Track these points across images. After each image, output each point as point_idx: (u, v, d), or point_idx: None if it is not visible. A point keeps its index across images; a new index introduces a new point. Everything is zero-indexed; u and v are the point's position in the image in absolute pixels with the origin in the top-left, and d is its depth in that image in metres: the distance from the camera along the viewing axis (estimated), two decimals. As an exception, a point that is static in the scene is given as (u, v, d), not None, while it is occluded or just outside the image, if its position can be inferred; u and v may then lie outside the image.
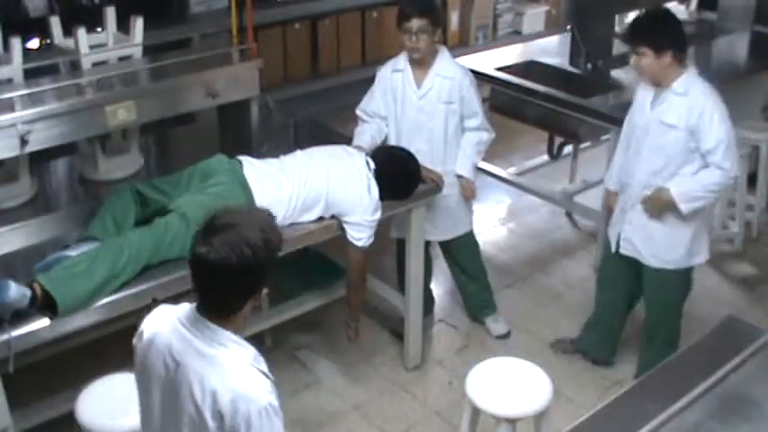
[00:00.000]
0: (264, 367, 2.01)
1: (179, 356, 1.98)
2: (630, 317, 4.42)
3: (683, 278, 3.60)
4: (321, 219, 3.37)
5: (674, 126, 3.28)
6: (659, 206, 3.40)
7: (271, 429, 1.95)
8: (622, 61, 5.10)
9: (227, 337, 1.98)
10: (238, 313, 1.99)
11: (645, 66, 3.27)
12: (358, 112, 3.87)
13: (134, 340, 2.14)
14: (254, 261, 1.90)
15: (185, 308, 2.06)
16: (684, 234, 3.46)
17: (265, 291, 2.00)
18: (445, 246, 4.16)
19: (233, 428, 1.92)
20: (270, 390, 1.97)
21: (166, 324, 2.05)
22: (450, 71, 3.72)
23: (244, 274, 1.91)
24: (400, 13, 3.61)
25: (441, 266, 4.59)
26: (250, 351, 2.01)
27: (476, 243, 4.18)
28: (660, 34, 3.25)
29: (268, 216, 2.06)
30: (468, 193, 3.91)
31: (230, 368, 1.94)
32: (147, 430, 2.18)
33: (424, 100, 3.73)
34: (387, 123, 3.83)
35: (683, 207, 3.32)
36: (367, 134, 3.79)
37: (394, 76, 3.77)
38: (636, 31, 3.31)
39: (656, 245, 3.50)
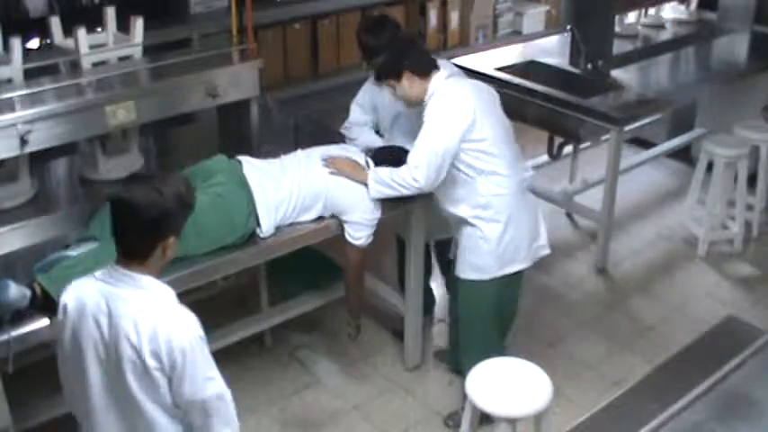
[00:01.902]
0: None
1: (109, 310, 2.16)
2: (629, 317, 4.44)
3: (483, 288, 3.43)
4: (321, 218, 3.37)
5: None
6: (359, 178, 3.37)
7: (202, 355, 2.18)
8: (622, 61, 5.13)
9: (147, 280, 2.19)
10: (150, 258, 2.19)
11: (400, 95, 3.35)
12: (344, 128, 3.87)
13: (59, 317, 2.28)
14: (162, 207, 2.14)
15: (101, 270, 2.24)
16: (483, 247, 3.35)
17: (172, 240, 2.20)
18: (440, 247, 4.11)
19: (171, 362, 2.13)
20: (196, 321, 2.20)
21: (88, 289, 2.22)
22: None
23: (152, 217, 2.13)
24: None
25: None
26: (170, 290, 2.23)
27: None
28: (391, 63, 3.32)
29: (185, 179, 2.33)
30: None
31: (158, 308, 2.16)
32: (85, 404, 2.28)
33: None
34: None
35: (370, 186, 3.32)
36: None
37: None
38: (380, 73, 3.39)
39: (462, 254, 3.44)
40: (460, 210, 3.36)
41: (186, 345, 2.13)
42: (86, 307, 2.20)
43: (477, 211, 3.32)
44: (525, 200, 3.40)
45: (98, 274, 2.23)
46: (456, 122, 3.19)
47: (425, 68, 3.30)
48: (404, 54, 3.32)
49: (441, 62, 3.80)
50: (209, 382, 2.19)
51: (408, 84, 3.28)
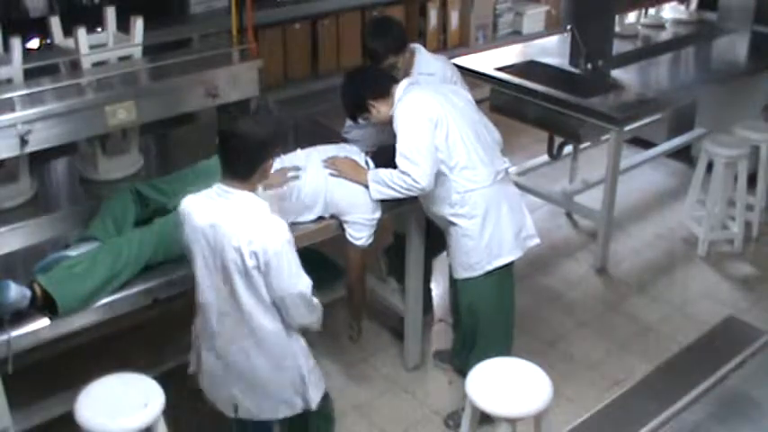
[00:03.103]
0: None
1: (215, 222, 2.61)
2: (629, 317, 4.43)
3: (479, 285, 3.47)
4: (321, 218, 3.37)
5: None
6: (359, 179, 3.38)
7: (291, 256, 2.65)
8: (622, 61, 5.13)
9: (247, 195, 2.65)
10: (252, 178, 2.66)
11: (378, 119, 3.42)
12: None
13: (181, 220, 2.73)
14: (264, 136, 2.65)
15: (209, 189, 2.70)
16: (468, 243, 3.39)
17: (271, 162, 2.72)
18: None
19: (266, 263, 2.58)
20: (287, 227, 2.66)
21: (196, 204, 2.68)
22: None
23: (257, 143, 2.63)
24: None
25: (441, 266, 4.60)
26: (264, 203, 2.68)
27: None
28: (354, 102, 3.40)
29: (276, 117, 2.88)
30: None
31: (256, 217, 2.62)
32: (206, 292, 2.73)
33: None
34: None
35: (370, 187, 3.33)
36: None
37: None
38: (349, 113, 3.49)
39: (452, 255, 3.48)
40: (440, 209, 3.41)
41: (279, 247, 2.59)
42: (194, 220, 2.66)
43: (455, 209, 3.36)
44: (504, 191, 3.42)
45: (204, 192, 2.69)
46: (424, 118, 3.25)
47: (384, 89, 3.37)
48: (360, 86, 3.39)
49: (440, 57, 3.84)
50: (297, 279, 2.66)
51: (376, 110, 3.37)
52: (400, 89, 3.36)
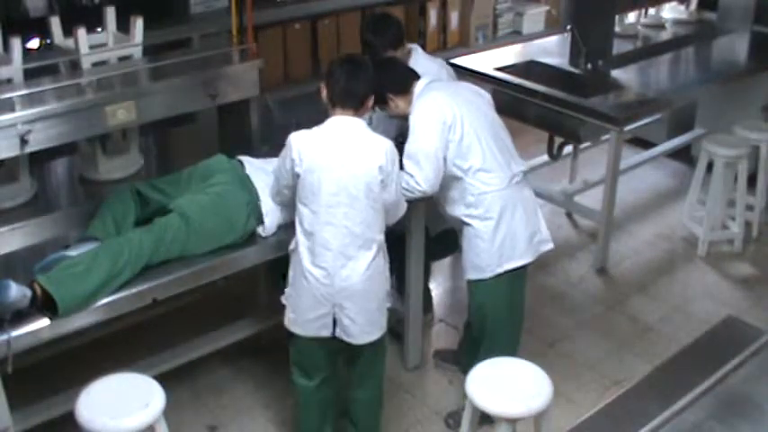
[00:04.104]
0: None
1: (341, 150, 2.93)
2: (629, 317, 4.44)
3: (489, 288, 3.45)
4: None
5: None
6: None
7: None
8: (622, 61, 5.13)
9: (360, 122, 3.02)
10: (361, 108, 3.02)
11: (394, 113, 3.44)
12: None
13: (293, 156, 2.97)
14: (373, 76, 3.06)
15: (322, 125, 3.00)
16: (480, 245, 3.38)
17: (371, 100, 3.08)
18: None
19: (388, 174, 2.97)
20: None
21: (310, 140, 2.97)
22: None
23: (369, 80, 3.03)
24: None
25: (440, 266, 4.60)
26: (367, 123, 3.09)
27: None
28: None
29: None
30: None
31: (372, 137, 3.00)
32: (326, 216, 2.96)
33: None
34: None
35: None
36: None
37: None
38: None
39: (464, 255, 3.47)
40: (455, 210, 3.41)
41: (396, 157, 3.00)
42: (311, 154, 2.92)
43: (470, 210, 3.36)
44: (519, 195, 3.40)
45: (320, 127, 2.99)
46: (437, 121, 3.25)
47: (405, 85, 3.38)
48: (381, 79, 3.35)
49: (437, 60, 3.83)
50: (399, 184, 3.09)
51: (394, 104, 3.38)
52: (419, 87, 3.36)
